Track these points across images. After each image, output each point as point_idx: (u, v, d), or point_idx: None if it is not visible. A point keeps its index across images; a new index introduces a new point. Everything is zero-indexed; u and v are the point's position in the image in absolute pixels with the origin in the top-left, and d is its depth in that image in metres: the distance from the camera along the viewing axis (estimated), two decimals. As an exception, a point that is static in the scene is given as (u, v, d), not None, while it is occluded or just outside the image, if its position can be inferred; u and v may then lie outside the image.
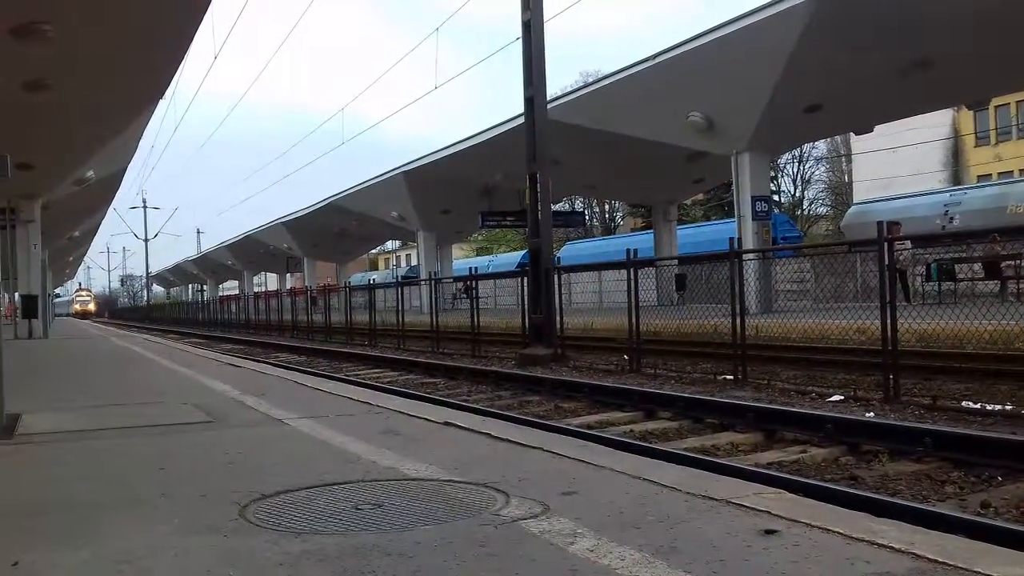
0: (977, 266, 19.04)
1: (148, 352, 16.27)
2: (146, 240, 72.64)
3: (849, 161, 54.13)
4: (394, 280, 36.24)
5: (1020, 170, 41.16)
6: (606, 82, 23.89)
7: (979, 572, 2.34)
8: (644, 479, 3.67)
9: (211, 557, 2.75)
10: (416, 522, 3.10)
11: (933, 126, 41.37)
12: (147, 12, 11.61)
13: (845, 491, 4.78)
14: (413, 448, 4.63)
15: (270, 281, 78.58)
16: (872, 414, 7.67)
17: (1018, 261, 18.07)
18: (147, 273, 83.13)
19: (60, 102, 14.58)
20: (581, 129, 23.37)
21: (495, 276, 29.02)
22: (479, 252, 69.06)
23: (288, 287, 53.64)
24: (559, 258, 18.77)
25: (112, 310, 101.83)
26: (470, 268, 24.93)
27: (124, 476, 4.23)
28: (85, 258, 79.90)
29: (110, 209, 39.91)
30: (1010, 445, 5.54)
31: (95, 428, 5.79)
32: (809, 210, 58.83)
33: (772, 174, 45.24)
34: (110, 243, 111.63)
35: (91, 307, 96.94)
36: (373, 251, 77.57)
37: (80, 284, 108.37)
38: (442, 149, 32.82)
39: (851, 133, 36.00)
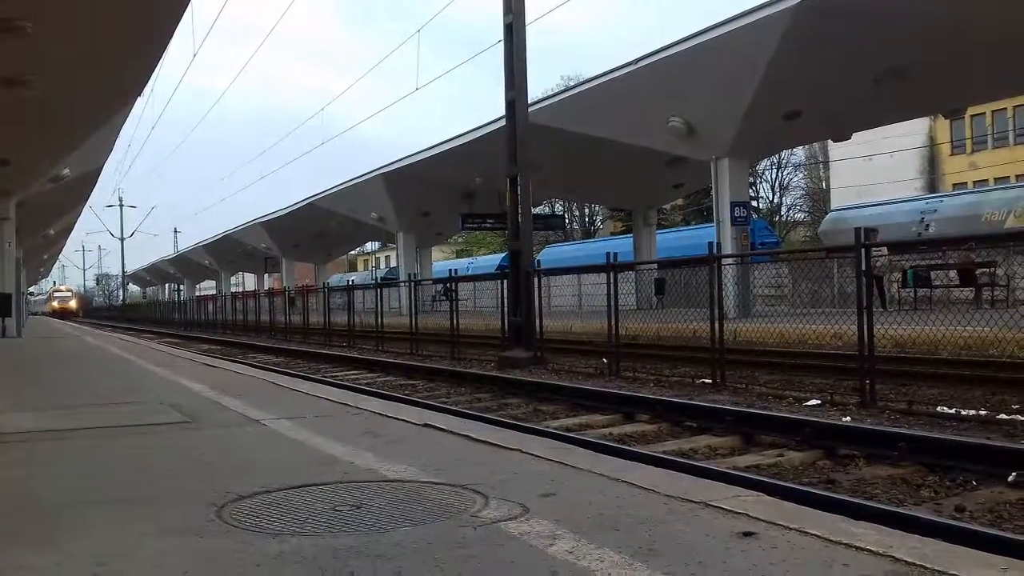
0: (953, 273, 19.29)
1: (124, 352, 16.11)
2: (122, 239, 72.03)
3: (827, 168, 54.58)
4: (373, 281, 36.14)
5: (995, 179, 41.66)
6: (587, 86, 23.96)
7: (955, 575, 2.36)
8: (623, 481, 3.67)
9: (187, 558, 2.73)
10: (395, 523, 3.08)
11: (910, 134, 41.84)
12: (126, 9, 11.51)
13: (822, 494, 4.81)
14: (392, 449, 4.61)
15: (248, 281, 78.10)
16: (849, 418, 7.73)
17: (992, 268, 18.32)
18: (123, 272, 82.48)
19: (37, 99, 14.41)
20: (562, 132, 23.38)
21: (475, 278, 29.05)
22: (459, 254, 69.07)
23: (266, 287, 53.29)
24: (539, 261, 18.72)
25: (87, 309, 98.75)
26: (450, 270, 24.86)
27: (99, 477, 4.18)
28: (60, 256, 78.77)
29: (86, 207, 39.47)
30: (984, 450, 5.60)
31: (70, 428, 5.72)
32: (787, 216, 59.36)
33: (751, 180, 45.60)
34: (85, 241, 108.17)
35: (72, 304, 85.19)
36: (352, 252, 77.35)
37: (55, 282, 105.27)
38: (422, 151, 32.66)
39: (829, 140, 36.31)
